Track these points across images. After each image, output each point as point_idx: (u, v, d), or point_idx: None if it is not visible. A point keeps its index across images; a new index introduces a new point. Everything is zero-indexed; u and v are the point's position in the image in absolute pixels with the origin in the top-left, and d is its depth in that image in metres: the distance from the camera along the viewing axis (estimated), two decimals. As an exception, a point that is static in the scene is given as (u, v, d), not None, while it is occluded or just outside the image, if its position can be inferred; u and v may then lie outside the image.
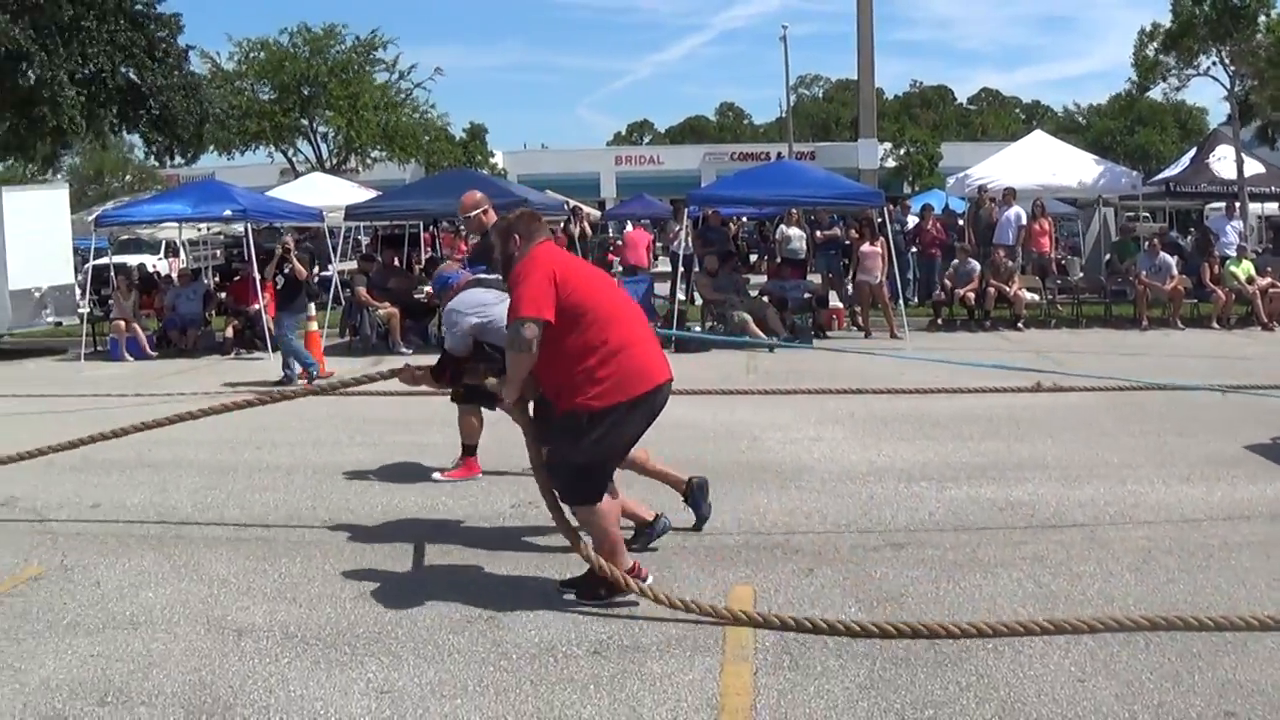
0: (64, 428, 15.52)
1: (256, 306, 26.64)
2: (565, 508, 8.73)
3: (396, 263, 29.98)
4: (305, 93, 65.96)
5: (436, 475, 12.89)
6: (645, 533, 9.84)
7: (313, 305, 23.52)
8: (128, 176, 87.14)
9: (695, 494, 10.35)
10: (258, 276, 26.88)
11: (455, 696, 6.99)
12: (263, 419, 16.43)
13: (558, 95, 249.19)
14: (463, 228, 19.31)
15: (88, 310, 29.35)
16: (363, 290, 26.06)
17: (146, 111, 37.66)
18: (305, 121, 68.49)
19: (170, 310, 28.89)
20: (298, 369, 21.42)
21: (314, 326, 22.78)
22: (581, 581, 8.79)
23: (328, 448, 14.85)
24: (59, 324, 30.03)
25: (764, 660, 7.33)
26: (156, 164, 53.31)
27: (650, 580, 8.76)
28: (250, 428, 15.93)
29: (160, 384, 21.60)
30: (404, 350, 24.79)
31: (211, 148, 55.15)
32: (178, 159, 42.59)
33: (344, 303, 28.33)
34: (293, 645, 7.96)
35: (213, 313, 29.94)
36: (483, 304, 10.42)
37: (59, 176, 61.70)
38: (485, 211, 13.13)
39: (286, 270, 22.26)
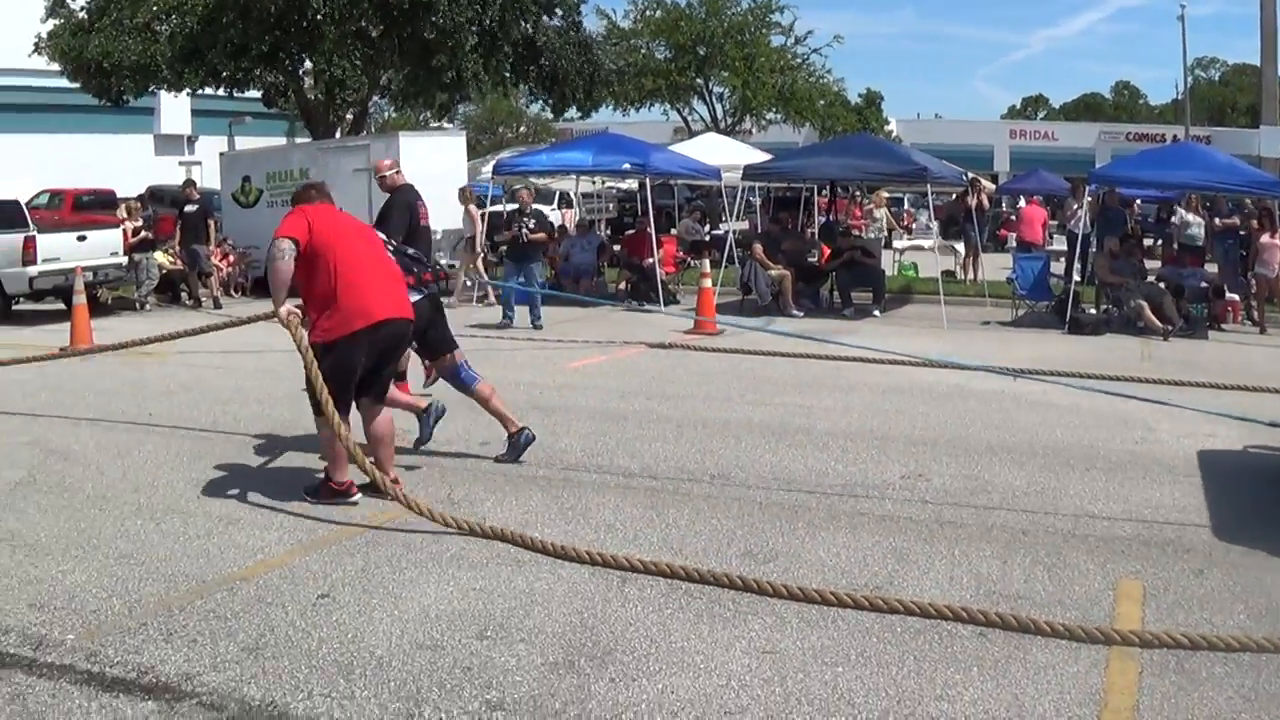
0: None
1: (650, 260, 26.83)
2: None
3: (791, 225, 29.89)
4: (701, 53, 66.15)
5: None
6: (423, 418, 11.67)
7: (706, 262, 23.74)
8: (522, 128, 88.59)
9: (519, 441, 11.80)
10: (653, 230, 27.13)
11: (837, 664, 6.84)
12: (654, 370, 16.61)
13: (953, 66, 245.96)
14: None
15: (482, 254, 29.92)
16: (759, 248, 25.96)
17: (538, 68, 38.17)
18: (700, 81, 68.78)
19: (564, 260, 29.30)
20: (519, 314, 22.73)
21: (707, 284, 22.87)
22: (314, 487, 10.42)
23: (718, 403, 14.92)
24: (453, 266, 30.65)
25: (1150, 660, 6.98)
26: (552, 117, 54.10)
27: (356, 498, 10.19)
28: (643, 378, 16.14)
29: (551, 330, 21.95)
30: (795, 313, 24.77)
31: (609, 103, 55.71)
32: (574, 112, 43.13)
33: (737, 262, 28.30)
34: (677, 596, 7.92)
35: (605, 264, 30.27)
36: None
37: (453, 124, 63.15)
38: (397, 173, 13.86)
39: (516, 229, 23.59)
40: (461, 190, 27.92)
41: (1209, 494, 10.86)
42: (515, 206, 24.81)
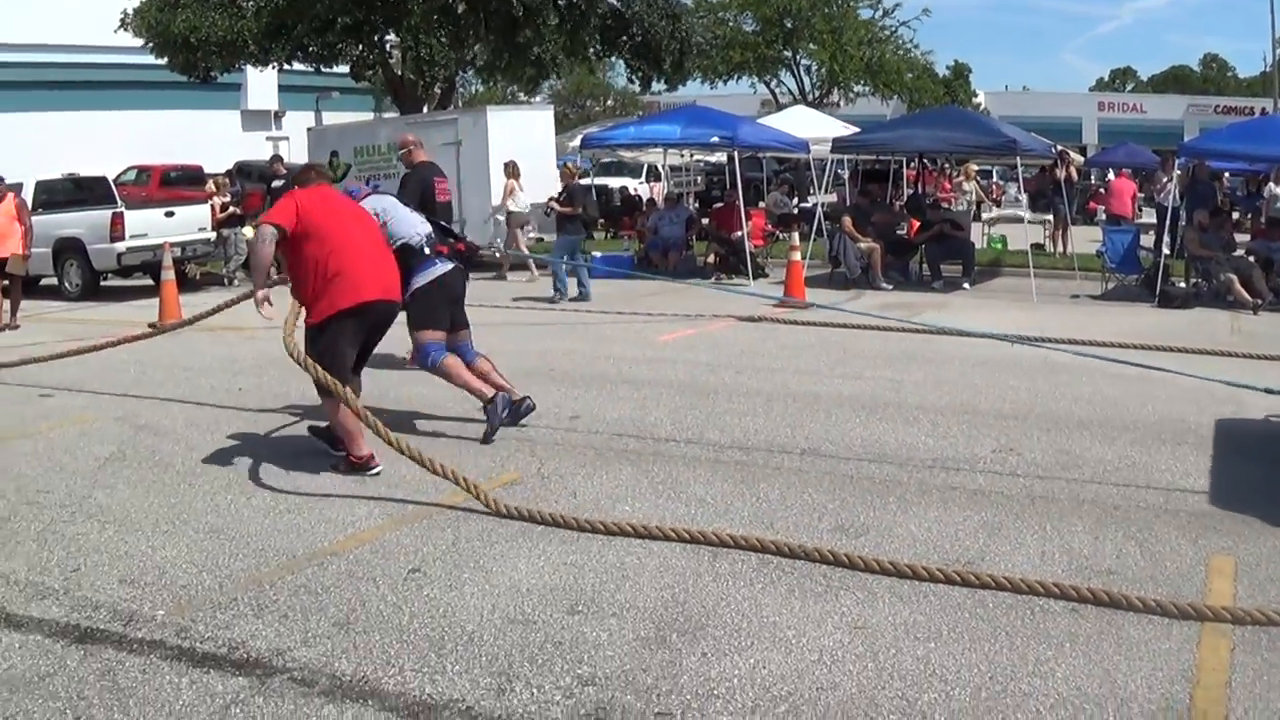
0: (529, 341, 15.95)
1: (739, 233, 26.71)
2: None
3: (880, 198, 29.69)
4: (788, 25, 65.97)
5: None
6: (489, 405, 11.55)
7: (796, 235, 23.65)
8: (609, 101, 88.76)
9: (492, 408, 11.58)
10: (742, 204, 27.02)
11: (929, 640, 6.79)
12: (744, 343, 16.70)
13: (1041, 38, 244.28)
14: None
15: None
16: (848, 220, 25.80)
17: (629, 38, 38.11)
18: (788, 54, 68.60)
19: (652, 233, 29.28)
20: (572, 288, 23.23)
21: (796, 257, 22.75)
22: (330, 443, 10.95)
23: (808, 377, 14.83)
24: (540, 240, 30.73)
25: (1242, 636, 6.88)
26: (638, 90, 54.07)
27: (379, 469, 10.39)
28: (731, 352, 16.16)
29: (640, 303, 21.84)
30: (884, 285, 24.67)
31: (696, 76, 55.62)
32: (660, 85, 43.06)
33: (826, 235, 28.17)
34: (768, 571, 7.88)
35: (694, 237, 30.15)
36: (384, 207, 11.73)
37: (539, 98, 63.30)
38: (409, 152, 15.34)
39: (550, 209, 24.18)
40: (506, 165, 28.07)
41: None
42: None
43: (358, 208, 11.33)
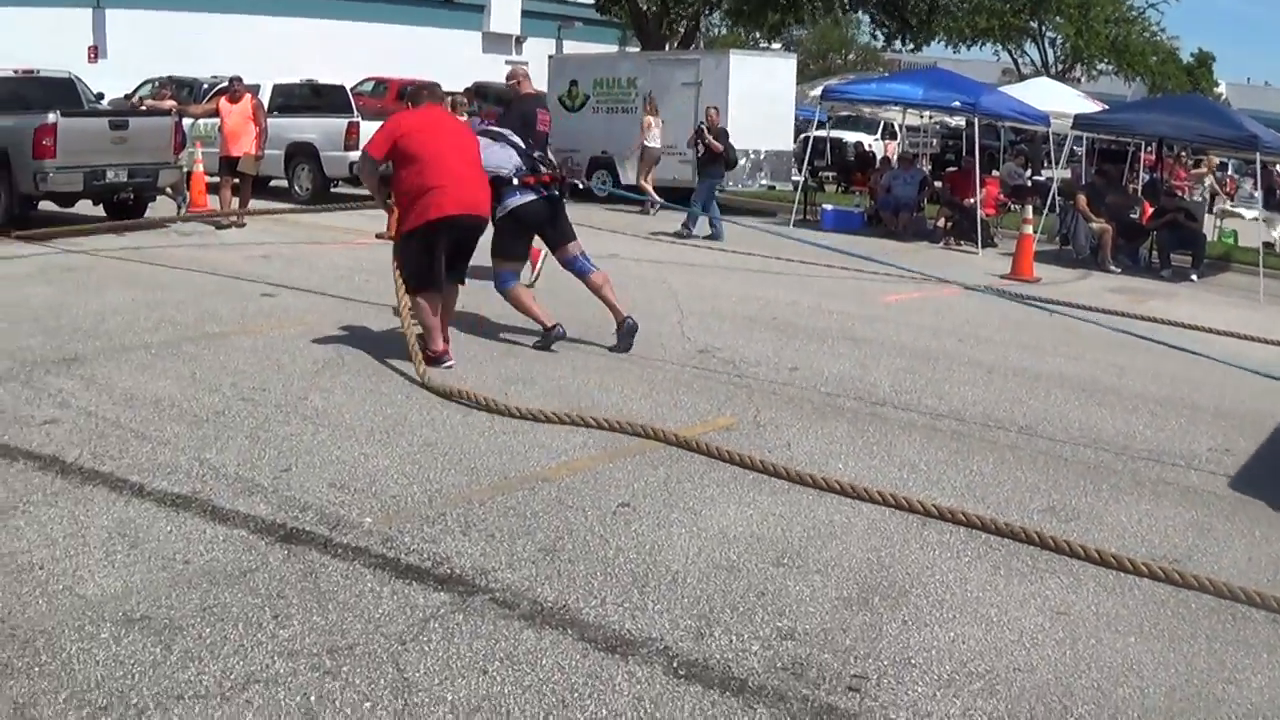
0: (752, 288, 15.93)
1: (972, 200, 26.35)
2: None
3: (1116, 179, 29.16)
4: (1035, -4, 65.01)
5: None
6: (546, 334, 12.54)
7: (1029, 208, 23.26)
8: (850, 56, 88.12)
9: (624, 330, 12.67)
10: (978, 170, 26.67)
11: (1129, 634, 6.67)
12: (968, 312, 16.67)
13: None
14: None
15: (803, 179, 29.75)
16: (1083, 199, 25.37)
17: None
18: (1034, 25, 67.59)
19: (885, 191, 28.94)
20: (705, 226, 24.75)
21: (1028, 230, 22.40)
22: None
23: (1031, 353, 14.65)
24: (772, 188, 30.61)
25: None
26: (882, 47, 53.66)
27: (451, 363, 11.52)
28: (956, 319, 16.02)
29: (868, 262, 21.51)
30: (1112, 269, 24.18)
31: (940, 38, 55.05)
32: (906, 44, 42.65)
33: (1058, 211, 27.75)
34: (975, 545, 7.79)
35: (926, 200, 29.81)
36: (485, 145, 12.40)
37: (786, 46, 62.95)
38: (518, 83, 16.50)
39: (705, 143, 24.77)
40: (646, 100, 28.67)
41: None
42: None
43: (461, 128, 12.63)
